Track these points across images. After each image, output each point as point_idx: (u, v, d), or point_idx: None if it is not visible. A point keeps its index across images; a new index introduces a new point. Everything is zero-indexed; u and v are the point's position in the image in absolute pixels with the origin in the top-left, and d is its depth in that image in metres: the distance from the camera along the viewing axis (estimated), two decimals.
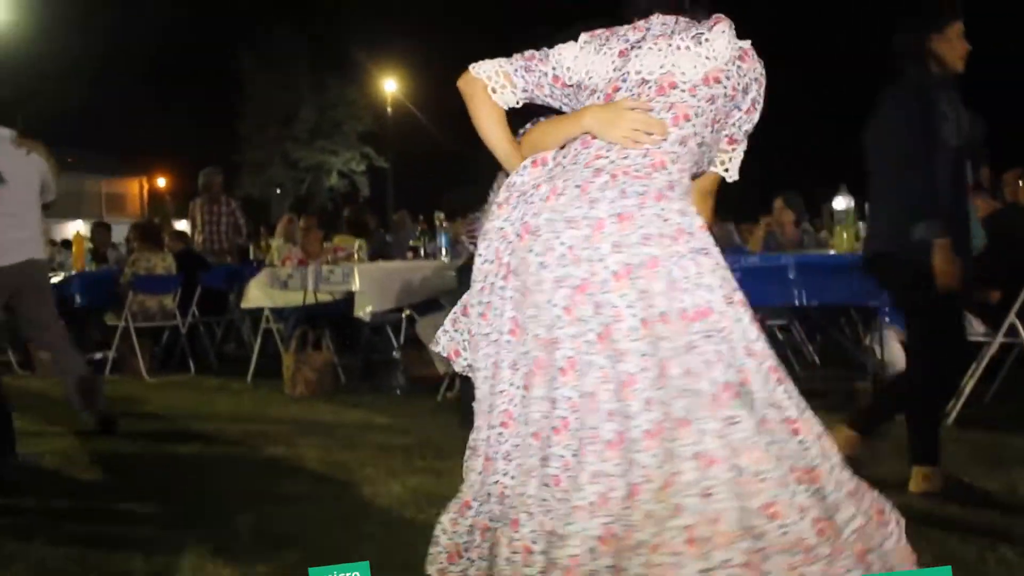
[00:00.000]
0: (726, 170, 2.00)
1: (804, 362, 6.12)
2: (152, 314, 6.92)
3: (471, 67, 1.98)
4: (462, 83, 1.99)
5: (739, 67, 1.88)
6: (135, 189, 41.85)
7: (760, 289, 4.01)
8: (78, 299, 6.87)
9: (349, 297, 5.74)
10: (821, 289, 3.96)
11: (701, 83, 1.84)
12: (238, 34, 32.90)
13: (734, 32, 1.89)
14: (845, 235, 4.56)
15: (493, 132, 1.99)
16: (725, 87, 1.86)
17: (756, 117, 1.95)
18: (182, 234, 7.43)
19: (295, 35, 32.84)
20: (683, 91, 1.84)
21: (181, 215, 43.93)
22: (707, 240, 1.81)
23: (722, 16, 1.91)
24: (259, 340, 6.41)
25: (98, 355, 7.10)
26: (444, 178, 16.11)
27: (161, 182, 46.62)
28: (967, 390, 4.14)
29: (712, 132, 1.89)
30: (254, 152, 34.48)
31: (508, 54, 2.00)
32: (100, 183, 40.39)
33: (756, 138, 2.01)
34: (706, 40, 1.85)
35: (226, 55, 33.03)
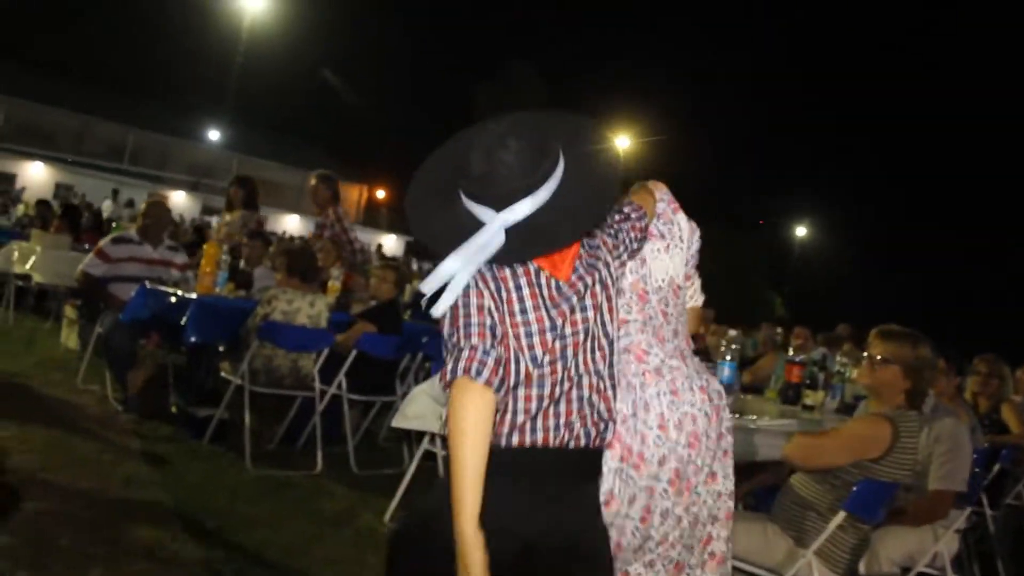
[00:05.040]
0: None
1: None
2: (279, 376, 4.79)
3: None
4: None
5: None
6: (355, 195, 41.93)
7: None
8: (190, 335, 4.78)
9: None
10: None
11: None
12: (475, 64, 32.42)
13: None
14: None
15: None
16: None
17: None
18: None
19: (532, 73, 31.86)
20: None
21: (395, 229, 43.82)
22: None
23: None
24: (414, 464, 4.09)
25: (202, 412, 5.07)
26: None
27: (380, 194, 47.08)
28: None
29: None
30: None
31: None
32: None
33: None
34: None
35: (464, 82, 32.42)
